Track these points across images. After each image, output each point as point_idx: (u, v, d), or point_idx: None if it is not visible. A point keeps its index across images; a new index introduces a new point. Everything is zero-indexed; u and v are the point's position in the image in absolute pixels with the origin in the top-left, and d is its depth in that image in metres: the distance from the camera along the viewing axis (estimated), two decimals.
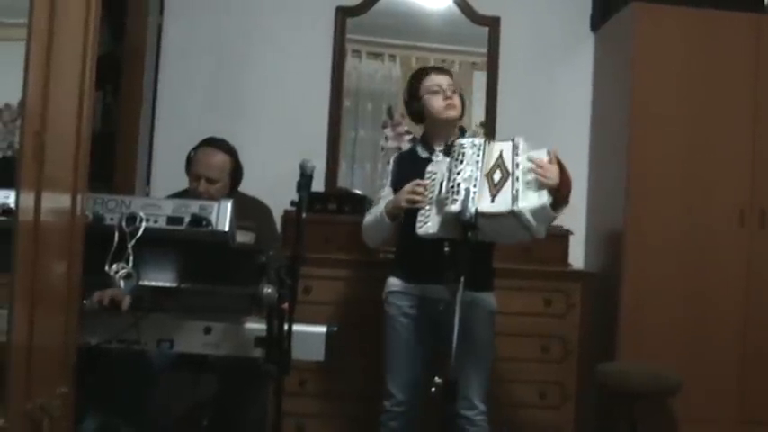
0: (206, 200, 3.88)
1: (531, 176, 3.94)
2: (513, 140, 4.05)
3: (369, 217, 4.65)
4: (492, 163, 3.99)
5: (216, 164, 4.60)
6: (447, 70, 4.76)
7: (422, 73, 4.68)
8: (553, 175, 3.97)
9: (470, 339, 4.22)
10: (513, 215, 3.86)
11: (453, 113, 4.51)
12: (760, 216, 5.69)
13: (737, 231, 5.68)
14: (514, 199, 3.86)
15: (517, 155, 3.97)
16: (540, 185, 3.93)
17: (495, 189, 3.90)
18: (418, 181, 4.28)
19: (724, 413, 5.63)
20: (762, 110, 5.73)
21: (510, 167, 3.94)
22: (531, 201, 3.89)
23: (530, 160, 3.96)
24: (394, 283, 4.59)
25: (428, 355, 4.43)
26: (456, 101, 4.53)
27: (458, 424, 4.38)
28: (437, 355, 4.21)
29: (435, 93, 4.52)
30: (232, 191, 4.67)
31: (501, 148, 4.04)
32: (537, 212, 3.92)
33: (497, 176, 3.94)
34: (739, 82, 5.74)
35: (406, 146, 5.83)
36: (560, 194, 4.04)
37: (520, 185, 3.89)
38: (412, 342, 4.48)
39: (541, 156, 4.02)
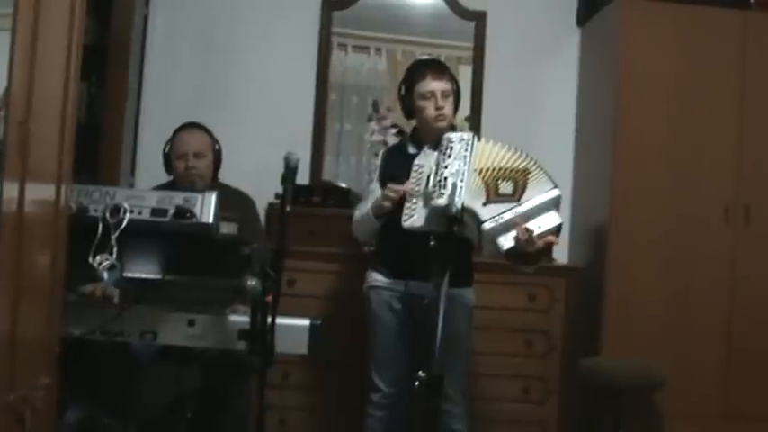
0: (199, 179, 3.92)
1: (525, 224, 3.77)
2: (554, 186, 3.88)
3: (357, 213, 4.69)
4: (502, 167, 3.90)
5: (199, 139, 4.67)
6: (444, 70, 4.65)
7: (419, 73, 4.60)
8: (530, 247, 3.80)
9: (450, 334, 4.22)
10: (479, 227, 3.79)
11: (443, 124, 4.50)
12: (744, 212, 5.70)
13: (722, 227, 5.69)
14: (494, 218, 3.76)
15: (542, 197, 3.84)
16: (517, 236, 3.77)
17: (495, 197, 3.83)
18: (389, 186, 4.32)
19: (708, 409, 5.64)
20: (747, 106, 5.75)
21: (524, 198, 3.82)
22: (501, 238, 3.79)
23: (543, 219, 3.82)
24: (376, 278, 4.61)
25: (412, 350, 4.43)
26: (447, 109, 4.51)
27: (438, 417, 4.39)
28: (420, 349, 4.21)
29: (428, 99, 4.50)
30: (214, 175, 4.71)
31: (530, 169, 3.89)
32: (492, 248, 3.82)
33: (506, 188, 3.86)
34: (725, 78, 5.75)
35: (391, 139, 5.83)
36: (519, 257, 3.90)
37: (508, 218, 3.76)
38: (397, 337, 4.49)
39: (549, 224, 3.85)
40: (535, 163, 3.95)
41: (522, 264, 4.00)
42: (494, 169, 3.89)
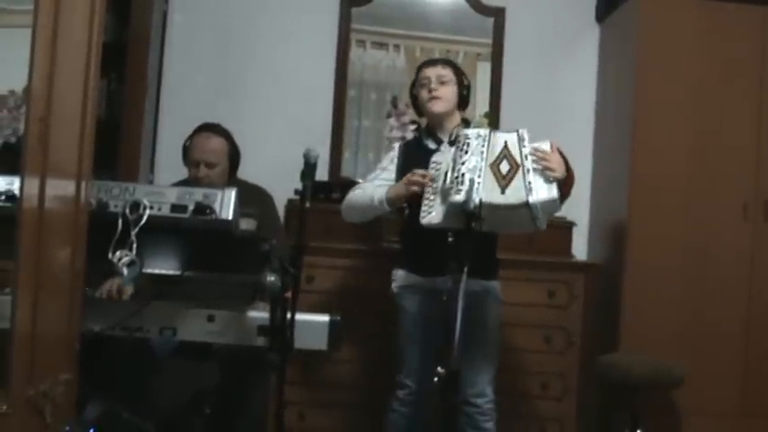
0: (209, 187, 3.88)
1: (539, 168, 3.93)
2: (517, 132, 4.01)
3: (359, 193, 4.60)
4: (497, 154, 3.97)
5: (213, 148, 4.63)
6: (441, 60, 4.74)
7: (419, 66, 4.69)
8: (559, 167, 3.98)
9: (482, 327, 4.26)
10: (528, 207, 3.86)
11: (436, 107, 4.52)
12: (764, 209, 5.68)
13: (741, 224, 5.68)
14: (528, 191, 3.85)
15: (524, 146, 3.96)
16: (547, 178, 3.93)
17: (504, 180, 3.90)
18: (416, 171, 4.28)
19: (726, 406, 5.63)
20: (767, 103, 5.72)
21: (519, 159, 3.93)
22: (544, 194, 3.89)
23: (534, 152, 3.95)
24: (402, 276, 4.58)
25: (440, 346, 4.41)
26: (442, 93, 4.51)
27: (465, 412, 4.39)
28: (447, 344, 4.21)
29: (423, 86, 4.55)
30: (232, 175, 4.70)
31: (505, 138, 4.02)
32: (546, 205, 3.93)
33: (505, 167, 3.93)
34: (745, 74, 5.73)
35: (409, 135, 5.82)
36: (565, 187, 4.05)
37: (531, 177, 3.88)
38: (425, 334, 4.46)
39: (545, 147, 4.01)
40: (501, 132, 4.10)
41: (569, 190, 4.14)
42: (495, 159, 3.93)
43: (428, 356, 4.41)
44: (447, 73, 4.55)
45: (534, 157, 3.94)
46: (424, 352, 4.46)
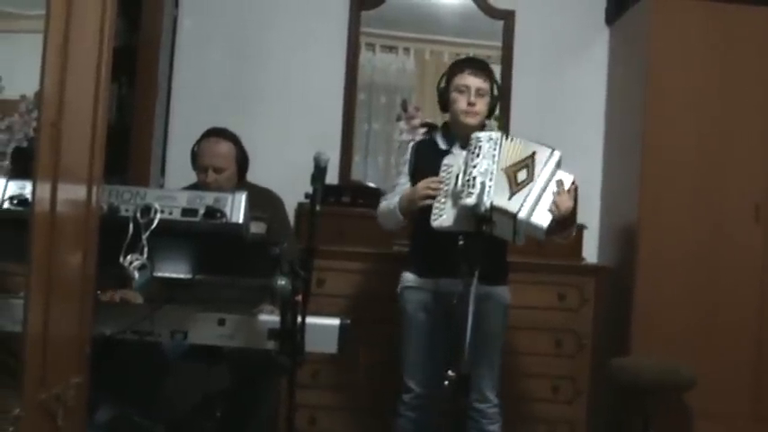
0: (219, 191, 3.87)
1: (547, 193, 3.97)
2: (552, 150, 4.05)
3: (384, 204, 4.64)
4: (519, 160, 3.98)
5: (221, 152, 4.63)
6: (484, 71, 4.57)
7: (459, 66, 4.58)
8: (564, 207, 4.01)
9: (484, 333, 4.22)
10: (514, 219, 3.90)
11: (471, 120, 4.45)
12: None
13: (752, 226, 5.66)
14: (522, 206, 3.90)
15: (548, 166, 4.00)
16: (550, 208, 3.97)
17: (516, 187, 3.91)
18: (432, 178, 4.28)
19: (738, 409, 5.61)
20: None
21: (537, 174, 3.96)
22: (536, 217, 3.94)
23: (553, 177, 3.99)
24: (408, 278, 4.57)
25: (445, 349, 4.41)
26: (479, 107, 4.45)
27: (471, 417, 4.39)
28: (452, 347, 4.21)
29: (462, 93, 4.46)
30: (241, 179, 4.70)
31: (536, 149, 4.03)
32: (531, 229, 3.98)
33: (522, 176, 3.94)
34: (756, 77, 5.72)
35: (419, 139, 5.82)
36: (561, 224, 4.09)
37: (535, 197, 3.93)
38: (430, 337, 4.46)
39: (566, 181, 4.03)
40: (535, 142, 4.12)
41: (562, 231, 4.19)
42: (514, 164, 3.94)
43: (432, 359, 4.42)
44: (486, 87, 4.48)
45: (551, 183, 3.98)
46: (428, 354, 4.46)
